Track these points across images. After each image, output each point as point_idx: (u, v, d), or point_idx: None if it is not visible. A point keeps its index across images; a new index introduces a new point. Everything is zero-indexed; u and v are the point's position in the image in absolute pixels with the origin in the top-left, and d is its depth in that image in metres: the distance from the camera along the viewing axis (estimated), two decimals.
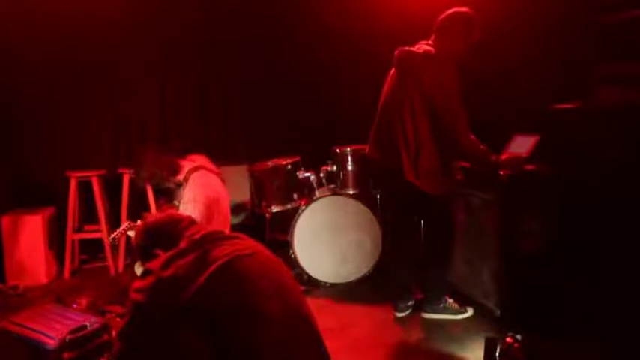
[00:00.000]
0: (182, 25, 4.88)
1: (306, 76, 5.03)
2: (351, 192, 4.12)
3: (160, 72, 4.98)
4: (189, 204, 3.10)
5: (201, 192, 3.15)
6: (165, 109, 5.02)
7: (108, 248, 4.46)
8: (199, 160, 3.41)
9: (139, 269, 2.37)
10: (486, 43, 3.18)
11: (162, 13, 4.81)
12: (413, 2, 4.27)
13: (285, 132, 5.09)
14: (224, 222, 3.32)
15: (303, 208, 4.01)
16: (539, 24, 3.58)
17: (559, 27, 3.44)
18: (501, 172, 3.09)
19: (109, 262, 4.50)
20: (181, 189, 3.24)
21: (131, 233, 3.14)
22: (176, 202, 3.28)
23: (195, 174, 3.26)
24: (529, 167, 3.10)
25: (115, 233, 3.23)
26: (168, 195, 3.34)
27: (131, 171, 3.78)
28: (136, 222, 3.30)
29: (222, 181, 3.47)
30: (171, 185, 3.31)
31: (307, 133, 5.01)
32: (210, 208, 3.15)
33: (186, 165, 3.30)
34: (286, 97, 5.09)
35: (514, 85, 3.71)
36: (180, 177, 3.26)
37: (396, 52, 3.21)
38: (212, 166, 3.45)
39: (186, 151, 3.53)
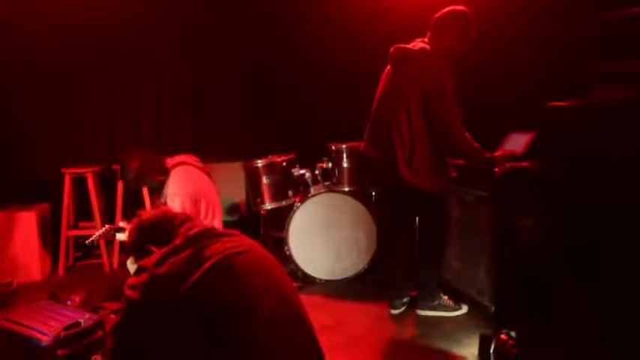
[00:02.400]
0: (181, 25, 4.87)
1: (302, 74, 5.03)
2: (346, 189, 4.12)
3: (158, 71, 4.97)
4: (171, 198, 3.16)
5: (182, 185, 3.21)
6: (161, 107, 5.01)
7: (102, 245, 4.45)
8: (184, 157, 3.46)
9: (131, 266, 2.36)
10: (482, 40, 3.18)
11: (161, 13, 4.80)
12: (413, 2, 4.26)
13: (281, 129, 5.08)
14: (213, 215, 3.33)
15: (298, 204, 4.01)
16: (534, 22, 3.58)
17: (557, 25, 3.44)
18: (495, 169, 3.09)
19: (104, 259, 4.50)
20: (165, 186, 3.30)
21: (120, 236, 3.17)
22: (162, 199, 3.30)
23: (176, 169, 3.32)
24: (523, 164, 3.10)
25: (94, 237, 3.23)
26: (157, 192, 3.39)
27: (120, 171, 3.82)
28: (116, 225, 3.34)
29: (209, 176, 3.50)
30: (156, 184, 3.37)
31: (303, 129, 5.01)
32: (196, 200, 3.19)
33: (170, 162, 3.36)
34: (282, 95, 5.09)
35: (510, 83, 3.71)
36: (165, 175, 3.32)
37: (392, 49, 3.21)
38: (197, 163, 3.49)
39: (175, 151, 3.58)
